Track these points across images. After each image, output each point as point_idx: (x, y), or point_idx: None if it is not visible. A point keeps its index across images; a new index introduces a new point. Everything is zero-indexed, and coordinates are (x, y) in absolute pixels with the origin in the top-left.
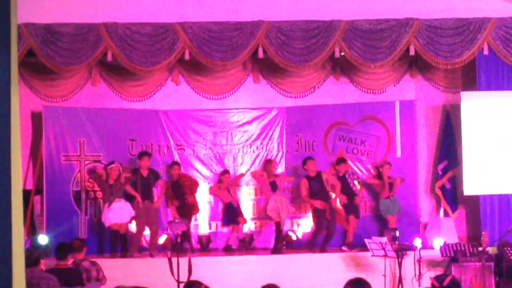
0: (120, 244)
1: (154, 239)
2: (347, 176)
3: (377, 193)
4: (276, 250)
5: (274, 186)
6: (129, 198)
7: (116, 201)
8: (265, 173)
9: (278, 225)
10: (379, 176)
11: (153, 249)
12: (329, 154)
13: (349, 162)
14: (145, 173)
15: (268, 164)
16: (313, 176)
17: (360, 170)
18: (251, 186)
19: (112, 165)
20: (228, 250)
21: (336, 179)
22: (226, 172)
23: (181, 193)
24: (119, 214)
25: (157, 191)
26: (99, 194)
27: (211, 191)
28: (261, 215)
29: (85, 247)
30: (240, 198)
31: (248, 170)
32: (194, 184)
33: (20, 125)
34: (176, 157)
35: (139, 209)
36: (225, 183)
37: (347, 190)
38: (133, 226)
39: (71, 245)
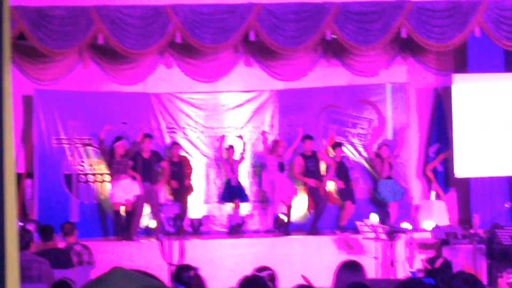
0: (123, 224)
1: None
2: (344, 160)
3: (374, 176)
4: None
5: (281, 167)
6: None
7: (123, 178)
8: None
9: (289, 208)
10: (378, 157)
11: (157, 231)
12: (320, 137)
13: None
14: (146, 155)
15: (275, 145)
16: (309, 155)
17: (352, 153)
18: (247, 167)
19: (119, 142)
20: (232, 231)
21: (331, 159)
22: (230, 147)
23: (181, 175)
24: (125, 191)
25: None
26: (90, 178)
27: (219, 161)
28: (256, 198)
29: (76, 230)
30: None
31: (243, 152)
32: (191, 168)
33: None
34: (168, 141)
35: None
36: (230, 158)
37: (343, 175)
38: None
39: (63, 228)
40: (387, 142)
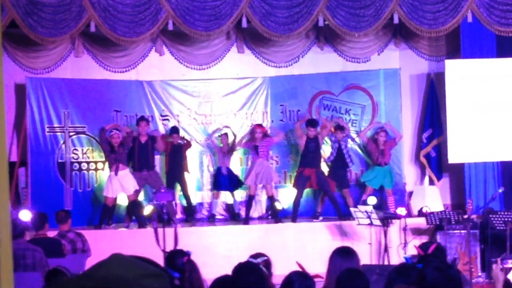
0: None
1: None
2: (342, 146)
3: (367, 162)
4: (245, 221)
5: (256, 151)
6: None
7: (122, 169)
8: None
9: (251, 198)
10: (374, 142)
11: (152, 219)
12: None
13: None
14: (143, 139)
15: (252, 131)
16: (312, 137)
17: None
18: (241, 154)
19: (112, 132)
20: (212, 220)
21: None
22: (224, 135)
23: (181, 161)
24: (123, 184)
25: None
26: (84, 166)
27: (217, 151)
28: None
29: (70, 218)
30: (230, 166)
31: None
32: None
33: (3, 97)
34: (161, 128)
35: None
36: (225, 146)
37: (341, 160)
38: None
39: (56, 216)
40: (384, 128)
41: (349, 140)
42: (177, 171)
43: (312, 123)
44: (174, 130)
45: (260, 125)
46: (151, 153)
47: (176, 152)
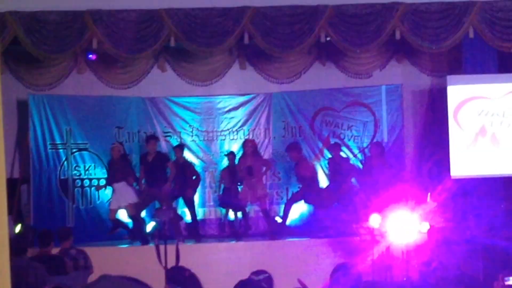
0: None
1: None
2: (342, 161)
3: None
4: (239, 237)
5: (250, 171)
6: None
7: (118, 181)
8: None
9: (264, 211)
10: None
11: (154, 236)
12: (316, 140)
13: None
14: (150, 158)
15: (245, 145)
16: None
17: (347, 155)
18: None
19: (114, 145)
20: (221, 236)
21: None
22: (231, 153)
23: (186, 178)
24: (119, 196)
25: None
26: (86, 183)
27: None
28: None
29: (72, 235)
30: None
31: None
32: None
33: (4, 114)
34: (163, 144)
35: (140, 193)
36: (231, 165)
37: (340, 176)
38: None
39: (58, 233)
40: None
41: (350, 155)
42: (183, 189)
43: (293, 145)
44: (178, 146)
45: (250, 140)
46: (160, 169)
47: (183, 170)
